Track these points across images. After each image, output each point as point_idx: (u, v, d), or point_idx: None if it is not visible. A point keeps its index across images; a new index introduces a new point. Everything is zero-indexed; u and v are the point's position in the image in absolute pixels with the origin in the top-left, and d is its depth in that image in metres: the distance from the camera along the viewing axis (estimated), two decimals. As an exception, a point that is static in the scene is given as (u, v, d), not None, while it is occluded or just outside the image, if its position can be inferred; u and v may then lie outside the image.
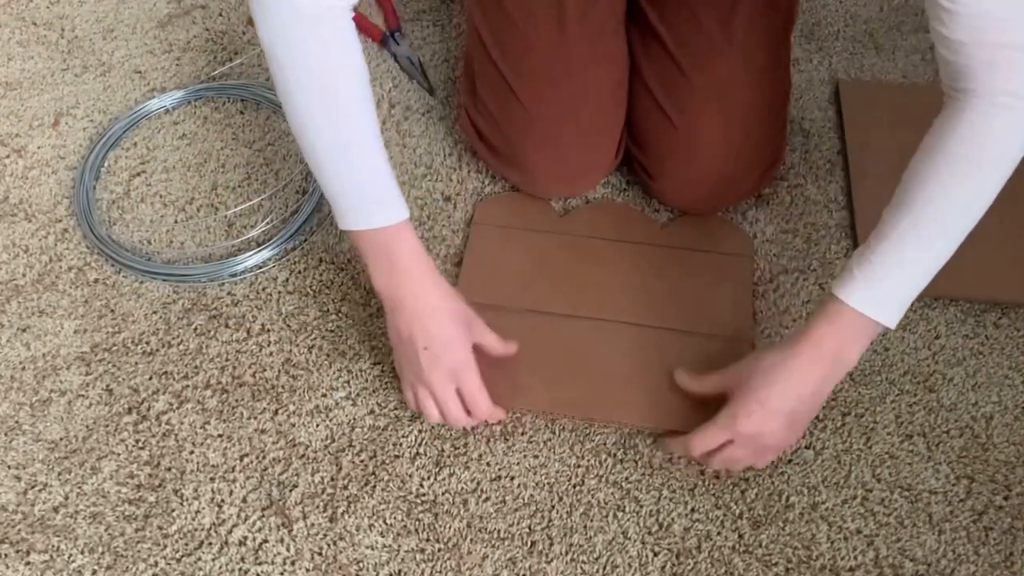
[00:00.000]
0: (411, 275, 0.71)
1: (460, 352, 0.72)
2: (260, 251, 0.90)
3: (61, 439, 0.80)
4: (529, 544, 0.74)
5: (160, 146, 1.00)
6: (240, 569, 0.73)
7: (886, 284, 0.65)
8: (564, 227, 0.90)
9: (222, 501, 0.77)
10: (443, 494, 0.76)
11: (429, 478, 0.77)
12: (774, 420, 0.68)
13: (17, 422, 0.82)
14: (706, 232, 0.90)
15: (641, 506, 0.75)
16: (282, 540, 0.75)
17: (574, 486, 0.77)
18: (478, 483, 0.77)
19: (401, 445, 0.79)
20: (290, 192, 0.95)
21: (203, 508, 0.76)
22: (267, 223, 0.93)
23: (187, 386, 0.83)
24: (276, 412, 0.81)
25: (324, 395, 0.82)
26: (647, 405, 0.78)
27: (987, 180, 0.63)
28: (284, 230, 0.91)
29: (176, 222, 0.94)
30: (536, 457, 0.78)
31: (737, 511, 0.75)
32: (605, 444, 0.79)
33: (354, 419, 0.81)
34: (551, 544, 0.74)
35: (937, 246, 0.64)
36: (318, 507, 0.76)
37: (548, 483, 0.77)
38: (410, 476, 0.77)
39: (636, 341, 0.82)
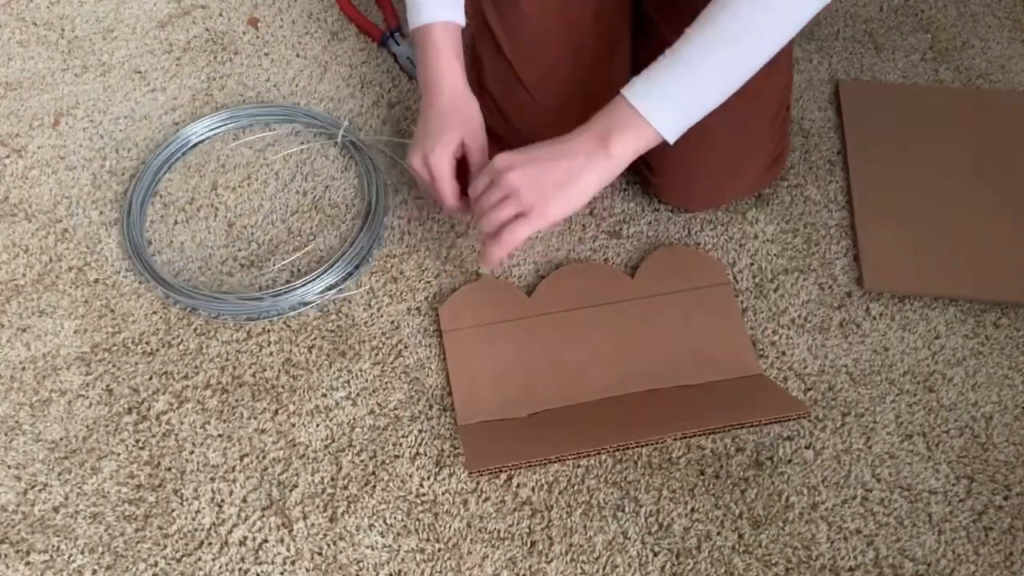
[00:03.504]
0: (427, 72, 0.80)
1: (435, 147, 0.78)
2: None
3: (61, 439, 0.80)
4: (529, 544, 0.74)
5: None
6: (240, 569, 0.73)
7: (664, 86, 0.69)
8: (535, 307, 0.85)
9: (222, 501, 0.77)
10: (443, 494, 0.76)
11: (429, 478, 0.77)
12: (528, 162, 0.72)
13: (17, 422, 0.82)
14: (677, 268, 0.86)
15: (641, 506, 0.75)
16: (282, 540, 0.75)
17: (574, 486, 0.77)
18: (478, 483, 0.77)
19: (401, 445, 0.79)
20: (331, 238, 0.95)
21: (203, 508, 0.76)
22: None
23: (187, 386, 0.83)
24: (276, 412, 0.81)
25: (324, 395, 0.82)
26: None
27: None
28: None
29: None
30: (536, 457, 0.78)
31: (737, 511, 0.75)
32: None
33: (354, 419, 0.81)
34: (551, 544, 0.74)
35: (721, 55, 0.68)
36: (318, 507, 0.76)
37: (548, 483, 0.77)
38: (410, 476, 0.77)
39: (650, 407, 0.79)
